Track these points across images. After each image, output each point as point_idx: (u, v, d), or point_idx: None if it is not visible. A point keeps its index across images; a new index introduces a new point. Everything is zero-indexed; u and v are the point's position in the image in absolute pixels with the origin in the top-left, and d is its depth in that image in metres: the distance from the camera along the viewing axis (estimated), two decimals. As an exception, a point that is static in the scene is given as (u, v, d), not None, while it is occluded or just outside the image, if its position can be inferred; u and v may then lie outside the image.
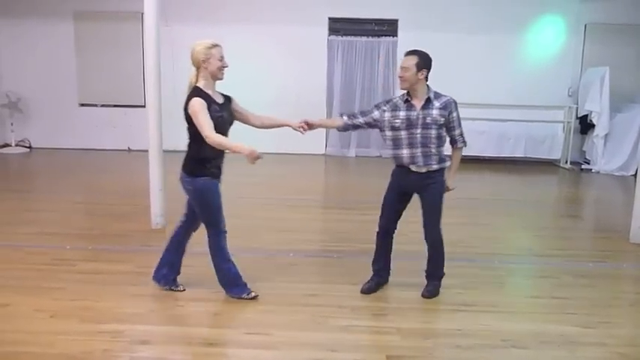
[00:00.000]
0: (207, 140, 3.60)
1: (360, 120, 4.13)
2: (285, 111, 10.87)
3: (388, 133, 4.01)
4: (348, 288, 4.29)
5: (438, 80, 10.78)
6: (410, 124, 3.93)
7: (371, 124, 4.12)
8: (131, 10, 10.33)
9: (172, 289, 4.14)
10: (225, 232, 3.94)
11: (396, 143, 4.01)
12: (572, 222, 7.07)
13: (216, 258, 3.98)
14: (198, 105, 3.62)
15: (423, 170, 4.00)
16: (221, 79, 3.81)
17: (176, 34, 10.65)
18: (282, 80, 10.99)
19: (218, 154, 3.80)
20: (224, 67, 3.78)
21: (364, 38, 11.16)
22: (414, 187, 4.08)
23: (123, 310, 3.83)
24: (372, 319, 3.78)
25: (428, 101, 3.95)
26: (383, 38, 11.14)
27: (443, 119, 3.95)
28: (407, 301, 4.08)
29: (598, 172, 10.34)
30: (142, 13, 5.63)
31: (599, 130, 10.34)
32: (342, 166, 10.67)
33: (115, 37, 11.06)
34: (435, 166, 4.01)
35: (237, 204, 7.18)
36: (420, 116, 3.92)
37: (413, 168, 4.01)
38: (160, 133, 5.69)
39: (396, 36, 11.02)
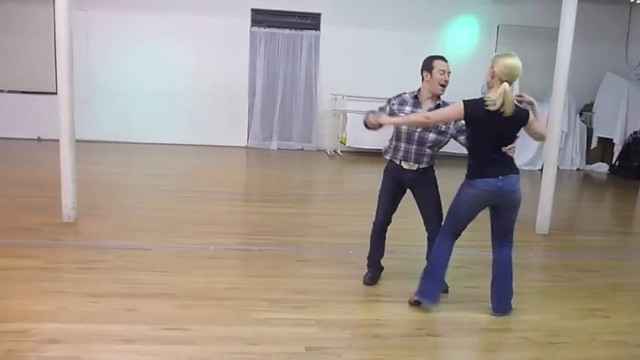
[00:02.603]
0: None
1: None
2: (206, 101, 10.84)
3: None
4: (268, 281, 4.29)
5: (357, 74, 10.82)
6: None
7: None
8: (42, -9, 9.75)
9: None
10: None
11: (397, 136, 4.05)
12: (483, 214, 7.36)
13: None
14: None
15: (414, 168, 4.08)
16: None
17: (91, 17, 10.23)
18: (204, 70, 10.77)
19: None
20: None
21: (287, 31, 11.11)
22: (408, 182, 4.15)
23: (30, 308, 3.63)
24: (292, 312, 3.79)
25: (437, 107, 3.96)
26: (306, 32, 11.14)
27: (444, 126, 3.97)
28: (326, 293, 4.12)
29: (508, 167, 10.86)
30: (54, -5, 5.30)
31: (510, 127, 10.86)
32: (263, 159, 10.61)
33: (24, 18, 10.37)
34: (425, 165, 4.10)
35: (156, 196, 7.00)
36: None
37: (404, 165, 4.07)
38: (72, 122, 5.43)
39: (319, 30, 11.06)
